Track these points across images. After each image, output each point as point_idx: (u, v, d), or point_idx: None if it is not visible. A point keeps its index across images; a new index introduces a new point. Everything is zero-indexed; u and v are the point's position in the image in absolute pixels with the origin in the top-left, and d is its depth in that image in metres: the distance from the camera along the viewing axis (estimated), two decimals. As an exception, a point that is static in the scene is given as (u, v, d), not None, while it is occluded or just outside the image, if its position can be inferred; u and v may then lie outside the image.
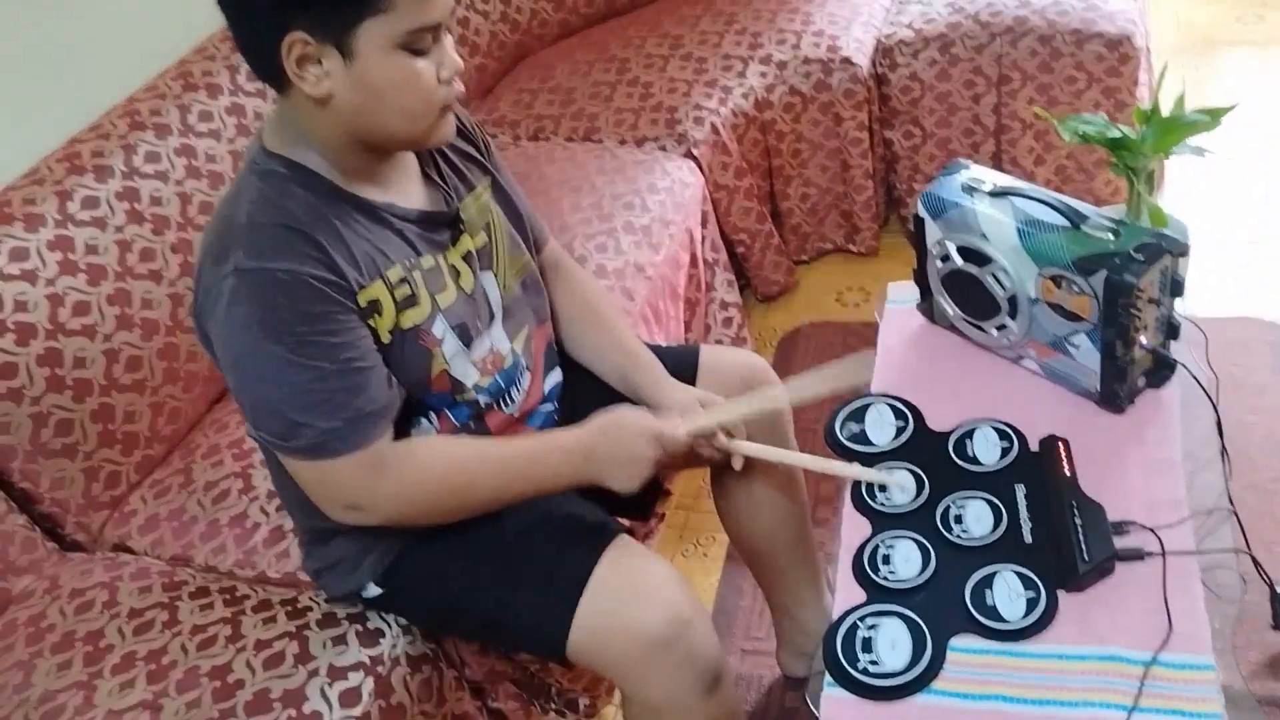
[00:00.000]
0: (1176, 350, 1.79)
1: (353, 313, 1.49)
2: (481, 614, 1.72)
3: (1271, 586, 1.79)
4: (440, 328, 1.62)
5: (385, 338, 1.54)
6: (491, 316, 1.72)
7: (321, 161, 1.51)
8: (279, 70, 1.41)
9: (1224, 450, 1.73)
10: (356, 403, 1.47)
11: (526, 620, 1.66)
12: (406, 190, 1.62)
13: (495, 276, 1.73)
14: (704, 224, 2.97)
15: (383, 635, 1.79)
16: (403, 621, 1.83)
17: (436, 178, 1.67)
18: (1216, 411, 1.74)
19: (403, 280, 1.56)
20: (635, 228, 2.70)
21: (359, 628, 1.80)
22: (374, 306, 1.52)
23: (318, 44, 1.39)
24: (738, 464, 1.82)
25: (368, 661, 1.75)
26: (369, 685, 1.72)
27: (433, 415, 1.67)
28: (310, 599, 1.87)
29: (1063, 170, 3.26)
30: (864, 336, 3.04)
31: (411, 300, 1.58)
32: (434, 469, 1.57)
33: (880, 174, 3.46)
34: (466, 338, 1.66)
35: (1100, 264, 1.65)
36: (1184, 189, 3.39)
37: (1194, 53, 4.20)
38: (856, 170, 3.33)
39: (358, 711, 1.69)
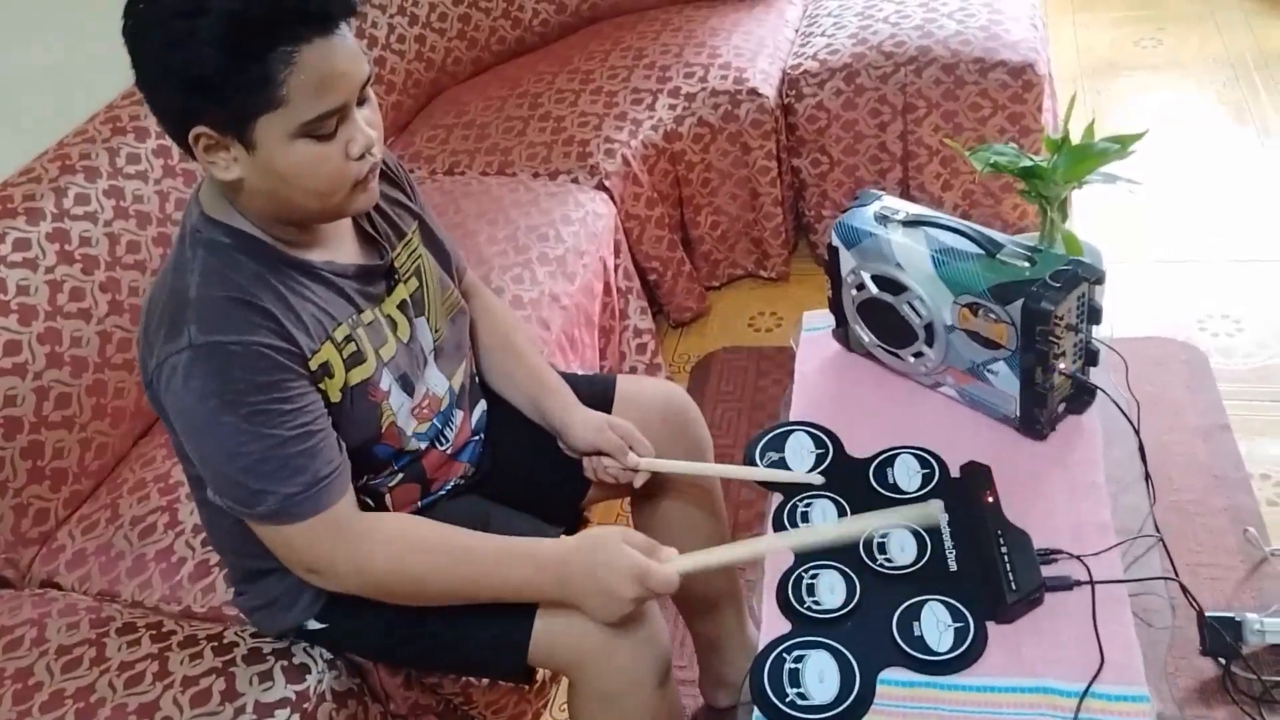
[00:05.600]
0: (1096, 375, 1.79)
1: (305, 378, 1.49)
2: (436, 634, 1.68)
3: (1200, 612, 1.79)
4: (386, 381, 1.62)
5: (336, 397, 1.55)
6: (425, 361, 1.72)
7: (256, 228, 1.51)
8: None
9: (1148, 476, 1.73)
10: (314, 466, 1.47)
11: (486, 629, 1.64)
12: (341, 246, 1.62)
13: (427, 320, 1.73)
14: (617, 253, 2.98)
15: (308, 671, 1.78)
16: (328, 656, 1.82)
17: (370, 229, 1.67)
18: (1139, 438, 1.74)
19: (348, 338, 1.57)
20: (550, 259, 2.70)
21: (285, 663, 1.78)
22: (325, 369, 1.53)
23: (220, 136, 1.38)
24: (639, 481, 1.81)
25: (294, 698, 1.74)
26: (295, 722, 1.72)
27: (379, 468, 1.67)
28: (236, 634, 1.85)
29: (970, 195, 3.28)
30: (777, 361, 3.09)
31: (358, 357, 1.58)
32: (394, 549, 1.54)
33: (789, 201, 3.48)
34: (409, 387, 1.66)
35: (1017, 291, 1.65)
36: (1088, 208, 3.43)
37: (1096, 77, 4.28)
38: (766, 198, 3.35)
39: (284, 748, 1.68)
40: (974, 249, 1.73)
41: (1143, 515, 1.67)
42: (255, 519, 1.50)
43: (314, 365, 1.50)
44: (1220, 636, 1.95)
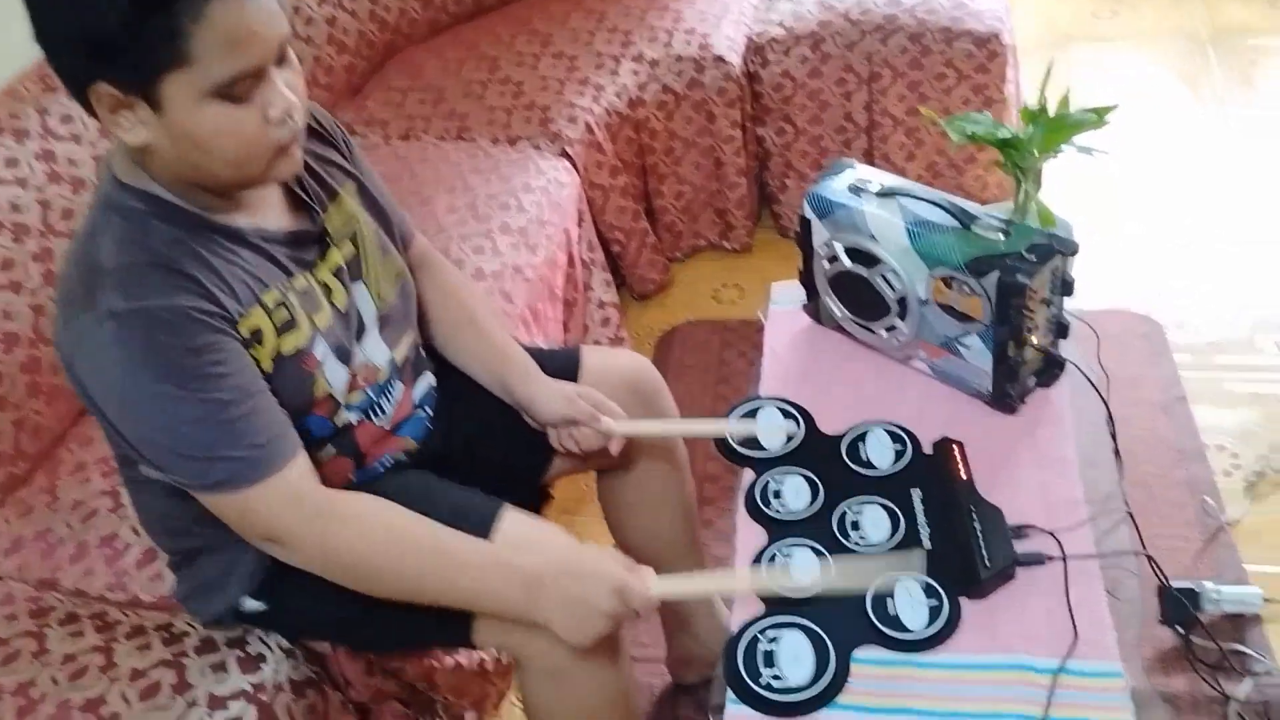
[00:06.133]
0: (1063, 349, 1.79)
1: (236, 340, 1.42)
2: (381, 611, 1.59)
3: (1163, 583, 1.80)
4: (321, 349, 1.55)
5: (268, 365, 1.47)
6: (363, 329, 1.64)
7: (172, 194, 1.42)
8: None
9: (1117, 452, 1.73)
10: (258, 425, 1.41)
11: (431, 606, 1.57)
12: (269, 210, 1.53)
13: (367, 286, 1.66)
14: (580, 223, 2.94)
15: (264, 660, 1.72)
16: (285, 645, 1.76)
17: (299, 191, 1.58)
18: (1109, 410, 1.74)
19: (280, 304, 1.49)
20: (512, 229, 2.65)
21: (239, 653, 1.72)
22: (255, 336, 1.46)
23: (124, 95, 1.30)
24: (616, 447, 1.79)
25: (249, 689, 1.67)
26: (251, 714, 1.65)
27: (311, 445, 1.57)
28: (187, 624, 1.79)
29: (933, 166, 3.29)
30: (742, 334, 3.07)
31: (291, 324, 1.50)
32: (358, 527, 1.48)
33: (753, 171, 3.46)
34: (345, 355, 1.59)
35: (992, 265, 1.64)
36: (1048, 180, 3.41)
37: (1054, 47, 4.28)
38: (730, 167, 3.33)
39: (240, 743, 1.62)
40: (949, 221, 1.72)
41: (1111, 489, 1.67)
42: (207, 490, 1.43)
43: (244, 331, 1.43)
44: (1180, 606, 1.96)
